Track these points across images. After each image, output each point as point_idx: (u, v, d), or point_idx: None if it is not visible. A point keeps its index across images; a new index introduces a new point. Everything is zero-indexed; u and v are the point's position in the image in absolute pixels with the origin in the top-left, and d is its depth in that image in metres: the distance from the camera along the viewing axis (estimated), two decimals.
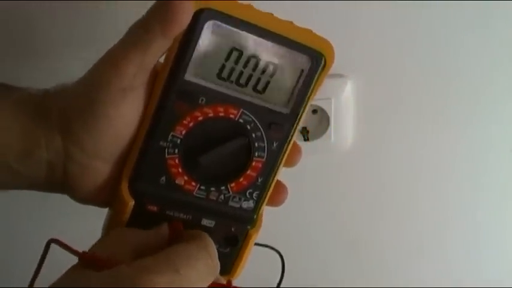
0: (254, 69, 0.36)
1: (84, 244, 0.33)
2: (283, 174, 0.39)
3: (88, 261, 0.30)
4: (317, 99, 0.55)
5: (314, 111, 0.55)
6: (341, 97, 0.53)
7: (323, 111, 0.54)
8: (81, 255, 0.31)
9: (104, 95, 0.33)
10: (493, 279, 0.68)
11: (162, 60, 0.35)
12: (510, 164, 0.61)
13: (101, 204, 0.37)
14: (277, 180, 0.39)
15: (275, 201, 0.39)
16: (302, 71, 0.37)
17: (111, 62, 0.33)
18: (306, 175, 0.58)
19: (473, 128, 0.58)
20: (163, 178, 0.36)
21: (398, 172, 0.60)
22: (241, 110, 0.36)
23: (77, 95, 0.34)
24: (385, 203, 0.62)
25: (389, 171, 0.60)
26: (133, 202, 0.35)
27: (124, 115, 0.34)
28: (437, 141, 0.58)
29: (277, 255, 0.44)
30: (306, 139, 0.55)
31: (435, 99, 0.56)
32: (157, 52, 0.33)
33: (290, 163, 0.39)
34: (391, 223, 0.64)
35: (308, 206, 0.61)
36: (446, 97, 0.56)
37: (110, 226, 0.37)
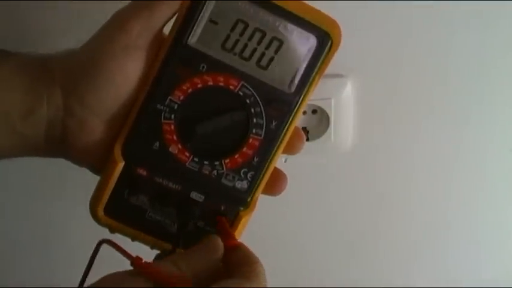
0: (259, 43, 0.35)
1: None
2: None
3: (142, 269, 0.31)
4: (317, 99, 0.55)
5: (314, 111, 0.55)
6: (341, 97, 0.53)
7: (323, 111, 0.54)
8: (136, 262, 0.31)
9: (107, 50, 0.34)
10: (493, 279, 0.68)
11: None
12: (510, 164, 0.61)
13: (94, 166, 0.37)
14: (277, 168, 0.38)
15: (273, 189, 0.38)
16: (308, 50, 0.36)
17: (117, 20, 0.34)
18: (306, 175, 0.58)
19: (473, 128, 0.58)
20: (157, 144, 0.36)
21: (398, 172, 0.60)
22: (242, 82, 0.36)
23: (81, 52, 0.35)
24: (385, 203, 0.62)
25: (389, 171, 0.60)
26: (123, 163, 0.36)
27: (126, 73, 0.35)
28: (437, 141, 0.58)
29: (270, 253, 0.44)
30: (306, 139, 0.55)
31: (435, 99, 0.56)
32: (164, 14, 0.34)
33: (291, 149, 0.38)
34: (391, 223, 0.64)
35: (308, 206, 0.61)
36: (446, 97, 0.56)
37: (97, 188, 0.36)
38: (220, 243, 0.34)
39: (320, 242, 0.64)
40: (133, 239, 0.37)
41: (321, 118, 0.55)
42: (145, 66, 0.35)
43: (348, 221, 0.63)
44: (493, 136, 0.59)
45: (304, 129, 0.55)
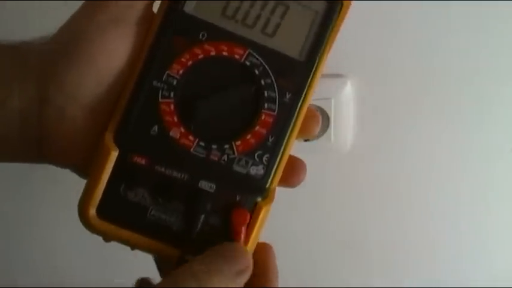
0: (262, 9, 0.32)
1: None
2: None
3: None
4: (317, 99, 0.55)
5: None
6: (341, 97, 0.53)
7: (323, 111, 0.54)
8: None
9: (90, 28, 0.30)
10: (493, 279, 0.68)
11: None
12: (510, 164, 0.61)
13: (79, 165, 0.32)
14: (293, 156, 0.33)
15: (291, 179, 0.33)
16: (316, 13, 0.32)
17: None
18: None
19: (473, 128, 0.58)
20: (155, 128, 0.31)
21: (398, 172, 0.60)
22: (248, 50, 0.31)
23: (59, 34, 0.31)
24: (385, 203, 0.62)
25: (390, 171, 0.60)
26: (117, 152, 0.30)
27: (112, 52, 0.30)
28: (437, 141, 0.58)
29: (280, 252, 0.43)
30: (306, 139, 0.55)
31: (435, 99, 0.56)
32: None
33: (306, 132, 0.33)
34: (391, 223, 0.64)
35: (308, 206, 0.61)
36: (446, 97, 0.56)
37: (87, 186, 0.31)
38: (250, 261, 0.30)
39: (319, 242, 0.64)
40: (133, 247, 0.32)
41: (321, 118, 0.55)
42: (133, 43, 0.31)
43: (348, 221, 0.63)
44: (493, 136, 0.59)
45: None
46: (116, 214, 0.31)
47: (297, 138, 0.33)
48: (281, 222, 0.62)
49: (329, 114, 0.54)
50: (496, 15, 0.52)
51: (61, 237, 0.57)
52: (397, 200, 0.62)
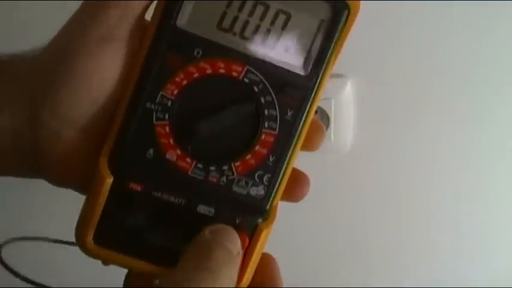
0: (262, 19, 0.30)
1: None
2: None
3: None
4: None
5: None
6: (341, 97, 0.53)
7: (323, 111, 0.54)
8: None
9: (79, 46, 0.28)
10: (493, 279, 0.68)
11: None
12: (510, 163, 0.61)
13: (77, 185, 0.31)
14: (296, 169, 0.32)
15: (294, 194, 0.32)
16: (321, 22, 0.30)
17: (89, 8, 0.29)
18: None
19: (474, 128, 0.58)
20: (151, 151, 0.30)
21: (398, 172, 0.60)
22: (247, 67, 0.30)
23: (49, 50, 0.30)
24: (385, 203, 0.62)
25: (390, 171, 0.60)
26: (112, 179, 0.29)
27: (104, 71, 0.29)
28: (437, 141, 0.58)
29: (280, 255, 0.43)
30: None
31: (435, 99, 0.56)
32: None
33: (310, 145, 0.32)
34: (391, 223, 0.64)
35: (308, 206, 0.61)
36: (446, 97, 0.56)
37: (83, 213, 0.30)
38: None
39: (319, 242, 0.64)
40: (133, 271, 0.32)
41: (321, 118, 0.55)
42: (126, 60, 0.29)
43: (348, 221, 0.63)
44: (494, 136, 0.59)
45: None
46: (113, 240, 0.30)
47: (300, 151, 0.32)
48: (281, 222, 0.62)
49: (329, 114, 0.54)
50: (497, 15, 0.52)
51: (61, 237, 0.57)
52: (397, 199, 0.62)
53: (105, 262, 0.31)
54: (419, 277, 0.68)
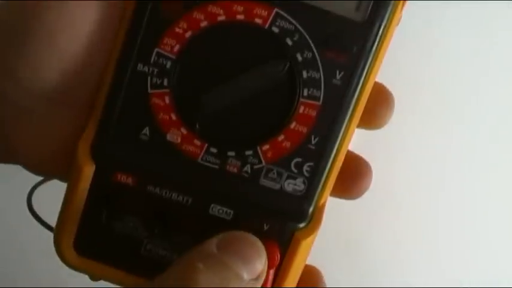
0: None
1: None
2: None
3: None
4: None
5: None
6: None
7: None
8: None
9: None
10: (493, 279, 0.68)
11: None
12: (511, 163, 0.61)
13: (60, 175, 0.24)
14: (352, 153, 0.24)
15: (351, 187, 0.25)
16: None
17: None
18: None
19: (475, 128, 0.58)
20: (146, 130, 0.22)
21: (398, 172, 0.60)
22: (275, 10, 0.21)
23: (9, 5, 0.22)
24: (385, 202, 0.62)
25: (389, 171, 0.60)
26: (94, 168, 0.22)
27: (76, 27, 0.21)
28: (438, 140, 0.58)
29: None
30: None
31: (436, 98, 0.56)
32: None
33: (372, 120, 0.24)
34: (391, 223, 0.64)
35: None
36: (447, 96, 0.56)
37: (60, 214, 0.23)
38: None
39: (319, 242, 0.64)
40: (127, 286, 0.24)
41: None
42: (106, 11, 0.21)
43: (348, 221, 0.63)
44: (495, 135, 0.59)
45: None
46: (98, 249, 0.23)
47: (358, 127, 0.24)
48: None
49: None
50: (497, 15, 0.52)
51: None
52: (397, 199, 0.62)
53: (93, 277, 0.24)
54: (419, 277, 0.68)
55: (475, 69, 0.55)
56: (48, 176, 0.25)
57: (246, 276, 0.20)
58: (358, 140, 0.56)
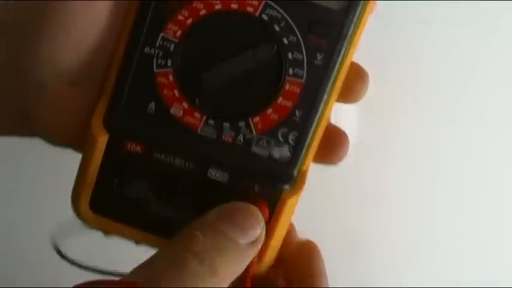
0: None
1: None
2: None
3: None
4: None
5: None
6: None
7: None
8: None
9: None
10: (493, 279, 0.68)
11: None
12: (511, 163, 0.61)
13: (76, 144, 0.28)
14: (331, 124, 0.28)
15: (331, 154, 0.28)
16: None
17: None
18: None
19: (475, 128, 0.58)
20: (152, 105, 0.26)
21: (399, 172, 0.60)
22: (265, 0, 0.25)
23: None
24: (386, 203, 0.62)
25: (390, 171, 0.60)
26: (107, 137, 0.26)
27: (91, 12, 0.25)
28: (438, 140, 0.58)
29: None
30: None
31: (436, 98, 0.56)
32: None
33: (349, 95, 0.28)
34: (391, 223, 0.64)
35: (308, 206, 0.61)
36: (447, 96, 0.56)
37: (77, 177, 0.27)
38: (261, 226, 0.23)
39: (319, 242, 0.64)
40: (137, 243, 0.28)
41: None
42: (119, 2, 0.25)
43: (348, 221, 0.63)
44: (495, 135, 0.59)
45: None
46: (111, 208, 0.27)
47: (337, 101, 0.27)
48: None
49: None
50: (497, 15, 0.52)
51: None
52: (397, 199, 0.62)
53: (106, 233, 0.28)
54: (419, 277, 0.68)
55: (472, 69, 0.55)
56: (63, 146, 0.28)
57: (243, 241, 0.23)
58: (360, 143, 0.56)
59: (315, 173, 0.63)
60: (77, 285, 0.22)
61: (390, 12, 0.51)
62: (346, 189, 0.61)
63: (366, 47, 0.53)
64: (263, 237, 0.25)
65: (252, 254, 0.24)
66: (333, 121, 0.54)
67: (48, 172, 0.55)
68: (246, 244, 0.23)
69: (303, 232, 0.63)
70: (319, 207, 0.62)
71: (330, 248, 0.65)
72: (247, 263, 0.24)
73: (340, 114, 0.55)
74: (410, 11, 0.51)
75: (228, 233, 0.23)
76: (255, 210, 0.24)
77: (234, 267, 0.23)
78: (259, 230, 0.24)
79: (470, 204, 0.64)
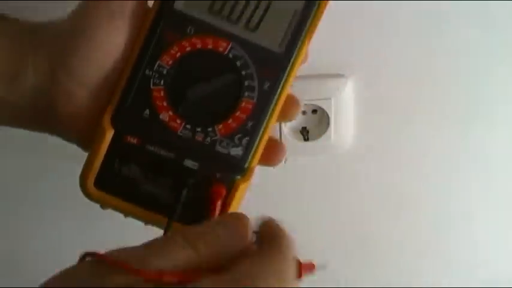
0: (246, 6, 0.35)
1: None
2: (279, 170, 0.38)
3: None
4: (317, 99, 0.55)
5: (314, 111, 0.55)
6: (341, 97, 0.53)
7: (323, 111, 0.54)
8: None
9: (93, 19, 0.34)
10: (493, 279, 0.68)
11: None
12: (510, 163, 0.61)
13: (82, 140, 0.36)
14: (274, 138, 0.37)
15: (271, 159, 0.37)
16: (297, 8, 0.35)
17: None
18: (305, 175, 0.58)
19: (475, 127, 0.58)
20: (147, 111, 0.35)
21: (399, 172, 0.60)
22: (231, 44, 0.35)
23: (68, 20, 0.35)
24: (385, 203, 0.62)
25: (390, 171, 0.60)
26: (113, 131, 0.35)
27: (112, 41, 0.35)
28: (437, 140, 0.58)
29: None
30: (306, 139, 0.55)
31: (435, 99, 0.56)
32: None
33: (286, 115, 0.37)
34: (392, 223, 0.64)
35: (308, 206, 0.61)
36: (446, 96, 0.56)
37: (87, 161, 0.36)
38: (246, 221, 0.29)
39: (320, 242, 0.64)
40: (126, 215, 0.37)
41: (321, 118, 0.55)
42: (131, 33, 0.35)
43: (348, 221, 0.63)
44: (495, 135, 0.59)
45: (304, 129, 0.55)
46: (111, 186, 0.36)
47: (278, 121, 0.37)
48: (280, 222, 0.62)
49: (329, 114, 0.54)
50: (499, 12, 0.52)
51: (61, 237, 0.57)
52: (397, 199, 0.62)
53: (104, 205, 0.36)
54: (419, 277, 0.68)
55: (473, 69, 0.55)
56: (71, 141, 0.37)
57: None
58: (359, 142, 0.56)
59: (315, 172, 0.63)
60: (86, 252, 0.26)
61: (390, 12, 0.51)
62: (346, 189, 0.61)
63: (366, 47, 0.53)
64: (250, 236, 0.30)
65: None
66: (332, 120, 0.54)
67: (49, 173, 0.56)
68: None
69: (302, 232, 0.63)
70: (319, 206, 0.62)
71: (329, 248, 0.65)
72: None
73: (339, 114, 0.55)
74: (410, 10, 0.51)
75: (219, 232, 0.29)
76: (244, 217, 0.30)
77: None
78: (249, 232, 0.30)
79: (471, 203, 0.64)
